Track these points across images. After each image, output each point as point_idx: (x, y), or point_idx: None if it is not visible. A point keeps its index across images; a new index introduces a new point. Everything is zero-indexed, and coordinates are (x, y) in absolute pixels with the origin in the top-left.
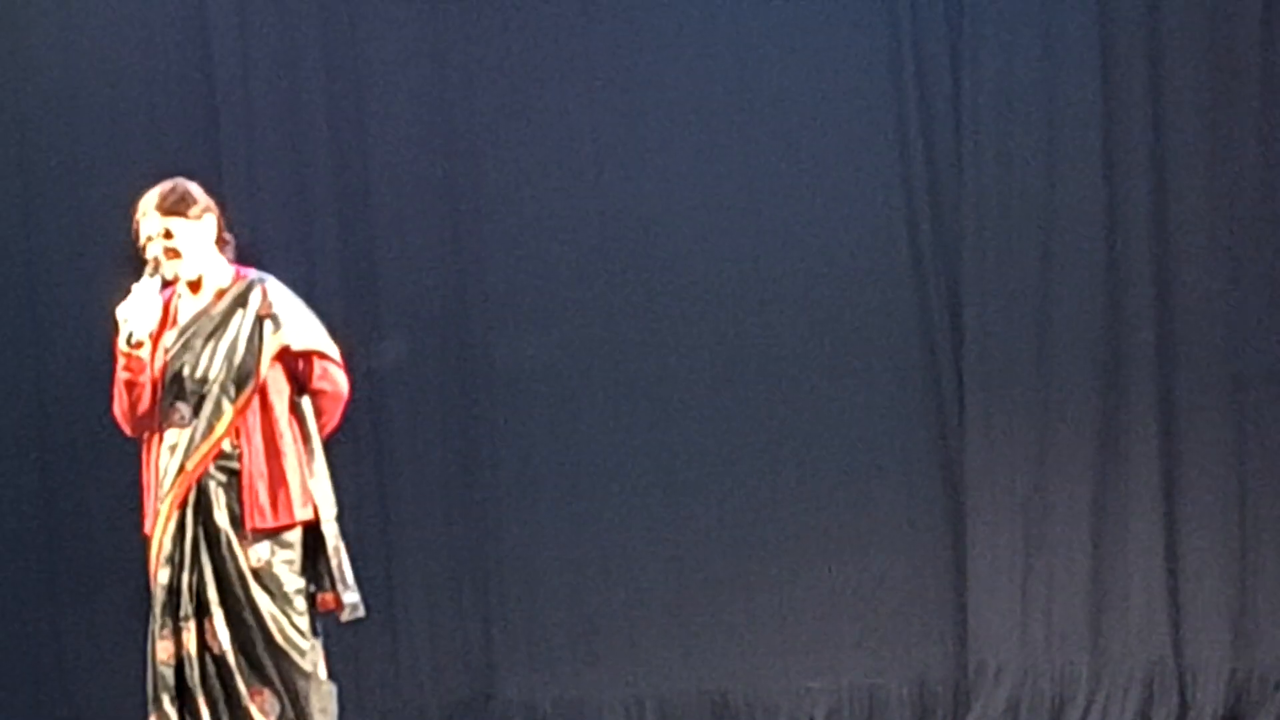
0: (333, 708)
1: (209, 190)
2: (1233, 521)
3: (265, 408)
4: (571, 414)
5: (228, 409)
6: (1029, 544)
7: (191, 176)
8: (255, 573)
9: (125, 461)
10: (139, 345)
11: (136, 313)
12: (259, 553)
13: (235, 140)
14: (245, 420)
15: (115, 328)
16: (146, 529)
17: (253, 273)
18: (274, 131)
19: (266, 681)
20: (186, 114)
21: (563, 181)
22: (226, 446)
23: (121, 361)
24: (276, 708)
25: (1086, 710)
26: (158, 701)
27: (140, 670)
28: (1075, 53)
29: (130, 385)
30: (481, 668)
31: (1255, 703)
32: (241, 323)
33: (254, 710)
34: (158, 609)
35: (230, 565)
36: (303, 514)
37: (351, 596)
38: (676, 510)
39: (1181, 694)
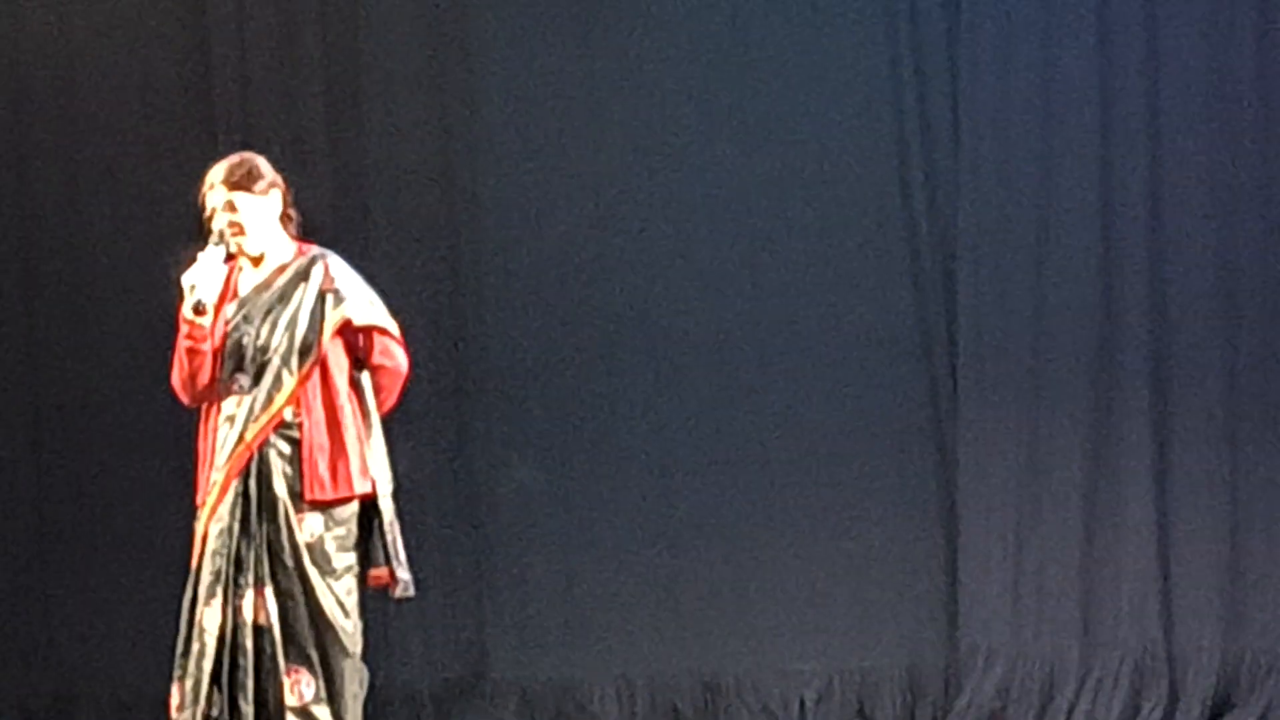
0: (363, 692)
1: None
2: (1223, 507)
3: (326, 381)
4: (564, 396)
5: (288, 380)
6: (1020, 528)
7: (186, 171)
8: (308, 547)
9: (117, 434)
10: (203, 312)
11: (202, 280)
12: (312, 527)
13: (231, 135)
14: (306, 392)
15: (180, 295)
16: (199, 499)
17: (314, 248)
18: (271, 126)
19: (305, 660)
20: (184, 107)
21: (560, 178)
22: (288, 416)
23: (184, 329)
24: (312, 687)
25: (1077, 695)
26: (185, 669)
27: (131, 644)
28: (1072, 45)
29: (192, 353)
30: (473, 648)
31: (1245, 688)
32: (304, 296)
33: (288, 688)
34: (208, 578)
35: (285, 537)
36: (361, 487)
37: (404, 573)
38: (668, 493)
39: (1172, 678)
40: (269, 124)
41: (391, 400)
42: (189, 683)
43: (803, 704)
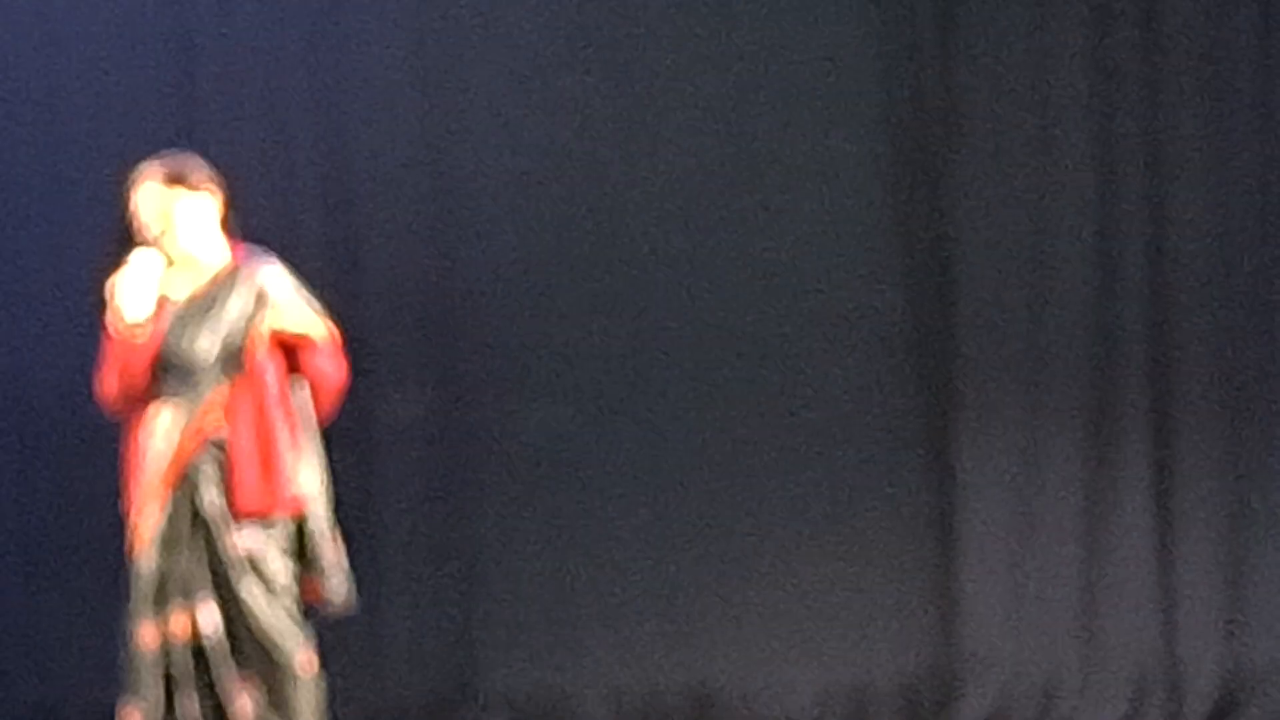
0: (318, 701)
1: None
2: (1224, 516)
3: (257, 391)
4: (555, 406)
5: (219, 390)
6: (1019, 538)
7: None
8: (244, 559)
9: (103, 442)
10: (137, 324)
11: (134, 290)
12: (248, 538)
13: (215, 137)
14: (237, 403)
15: (110, 303)
16: (128, 509)
17: (251, 253)
18: (256, 126)
19: (249, 671)
20: (165, 107)
21: (550, 171)
22: (216, 428)
23: (116, 338)
24: (259, 698)
25: (1075, 705)
26: (135, 687)
27: (114, 653)
28: (1069, 44)
29: (125, 361)
30: (463, 659)
31: (1246, 696)
32: (237, 303)
33: (236, 700)
34: (144, 593)
35: (220, 550)
36: (291, 499)
37: (339, 586)
38: (660, 502)
39: (1171, 690)
40: (253, 124)
41: (328, 409)
42: (140, 701)
43: (798, 715)
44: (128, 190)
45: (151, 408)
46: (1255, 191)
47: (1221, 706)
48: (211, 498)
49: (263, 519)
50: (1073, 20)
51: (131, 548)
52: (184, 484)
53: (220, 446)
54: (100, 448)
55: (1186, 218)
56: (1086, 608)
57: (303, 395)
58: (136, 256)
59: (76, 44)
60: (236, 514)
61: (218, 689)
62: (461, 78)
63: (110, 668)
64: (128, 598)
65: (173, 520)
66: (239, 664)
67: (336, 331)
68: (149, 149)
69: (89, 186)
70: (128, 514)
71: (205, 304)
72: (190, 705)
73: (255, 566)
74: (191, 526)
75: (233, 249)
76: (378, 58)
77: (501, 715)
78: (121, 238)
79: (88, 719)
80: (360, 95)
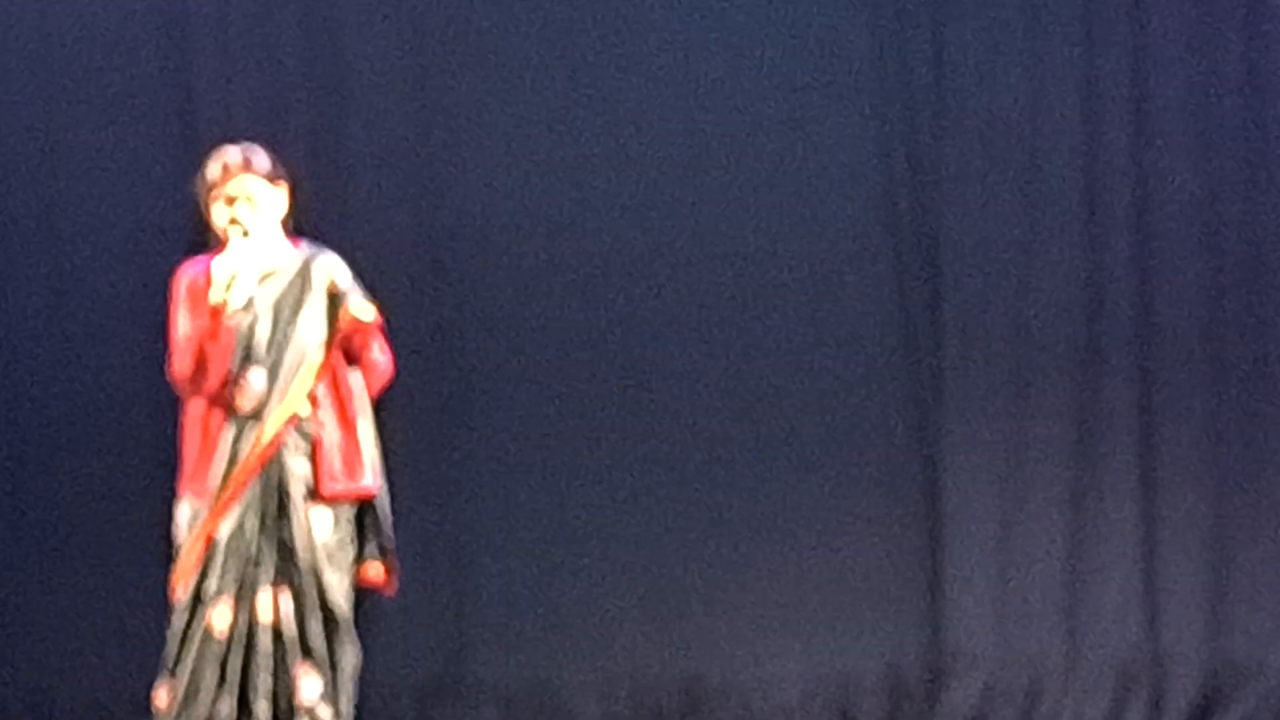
0: (356, 673)
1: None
2: (1209, 510)
3: (335, 379)
4: (546, 395)
5: (301, 378)
6: (1005, 530)
7: (168, 167)
8: (320, 543)
9: (95, 429)
10: (228, 308)
11: (239, 275)
12: (324, 522)
13: (212, 133)
14: (320, 389)
15: (212, 284)
16: (199, 491)
17: (311, 244)
18: (252, 125)
19: (311, 654)
20: (163, 101)
21: (543, 166)
22: (303, 414)
23: (206, 324)
24: (320, 684)
25: (1060, 698)
26: (186, 668)
27: (109, 642)
28: (1059, 31)
29: (207, 347)
30: (452, 648)
31: (1229, 693)
32: (311, 293)
33: (300, 684)
34: (219, 577)
35: (299, 534)
36: (372, 483)
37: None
38: (651, 492)
39: (1156, 682)
40: (250, 123)
41: (377, 395)
42: (187, 683)
43: (785, 706)
44: (207, 177)
45: (231, 395)
46: (1243, 187)
47: (1205, 700)
48: (296, 482)
49: (341, 501)
50: (1063, 15)
51: (191, 529)
52: (269, 471)
53: (305, 432)
54: (95, 440)
55: (1174, 215)
56: (1071, 601)
57: (360, 383)
58: (239, 242)
59: (71, 37)
60: (324, 498)
61: (279, 673)
62: (455, 68)
63: (100, 653)
64: (174, 582)
65: (257, 506)
66: (302, 648)
67: (382, 321)
68: (143, 144)
69: (87, 183)
70: (180, 488)
71: (280, 293)
72: (254, 688)
73: (330, 548)
74: (275, 511)
75: (293, 241)
76: (372, 53)
77: (491, 705)
78: (200, 224)
79: (80, 708)
80: (355, 92)
